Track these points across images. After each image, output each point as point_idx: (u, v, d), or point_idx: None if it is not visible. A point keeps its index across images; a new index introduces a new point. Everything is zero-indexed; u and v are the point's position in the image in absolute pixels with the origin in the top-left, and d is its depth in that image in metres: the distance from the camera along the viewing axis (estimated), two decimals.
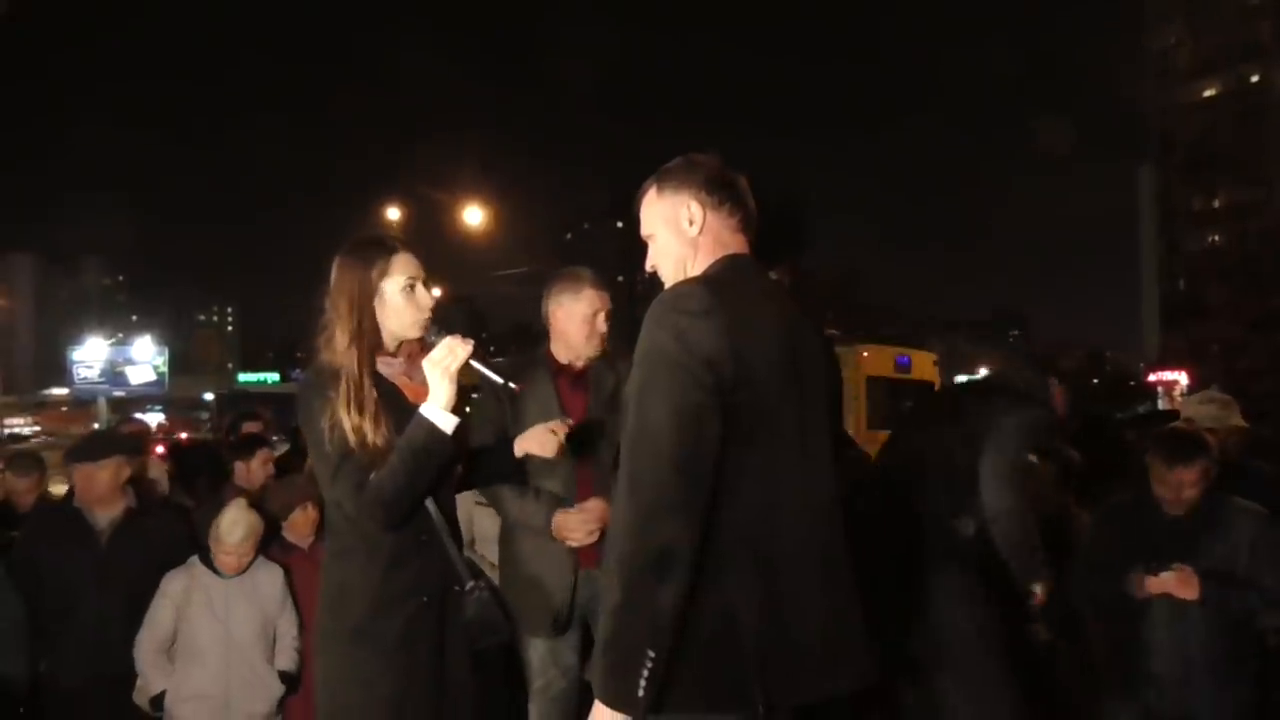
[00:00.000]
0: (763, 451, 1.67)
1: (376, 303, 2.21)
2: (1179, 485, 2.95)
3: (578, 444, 2.83)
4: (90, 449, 3.53)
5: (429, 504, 2.19)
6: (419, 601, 2.17)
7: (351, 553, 2.18)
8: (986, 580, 2.98)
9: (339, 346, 2.18)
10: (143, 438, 6.12)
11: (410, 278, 2.22)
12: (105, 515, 3.48)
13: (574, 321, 2.88)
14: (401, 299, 2.21)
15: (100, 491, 3.44)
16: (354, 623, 2.14)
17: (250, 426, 4.95)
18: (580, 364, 2.92)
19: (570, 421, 2.56)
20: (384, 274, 2.20)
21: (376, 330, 2.22)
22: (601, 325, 2.90)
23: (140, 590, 3.28)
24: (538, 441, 2.49)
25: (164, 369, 29.50)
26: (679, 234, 1.85)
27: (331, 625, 2.19)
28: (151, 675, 3.23)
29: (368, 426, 2.11)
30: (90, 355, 29.40)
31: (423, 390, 2.15)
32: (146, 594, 3.27)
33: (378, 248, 2.23)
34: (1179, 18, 53.82)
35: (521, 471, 2.62)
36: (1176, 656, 2.93)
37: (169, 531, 3.56)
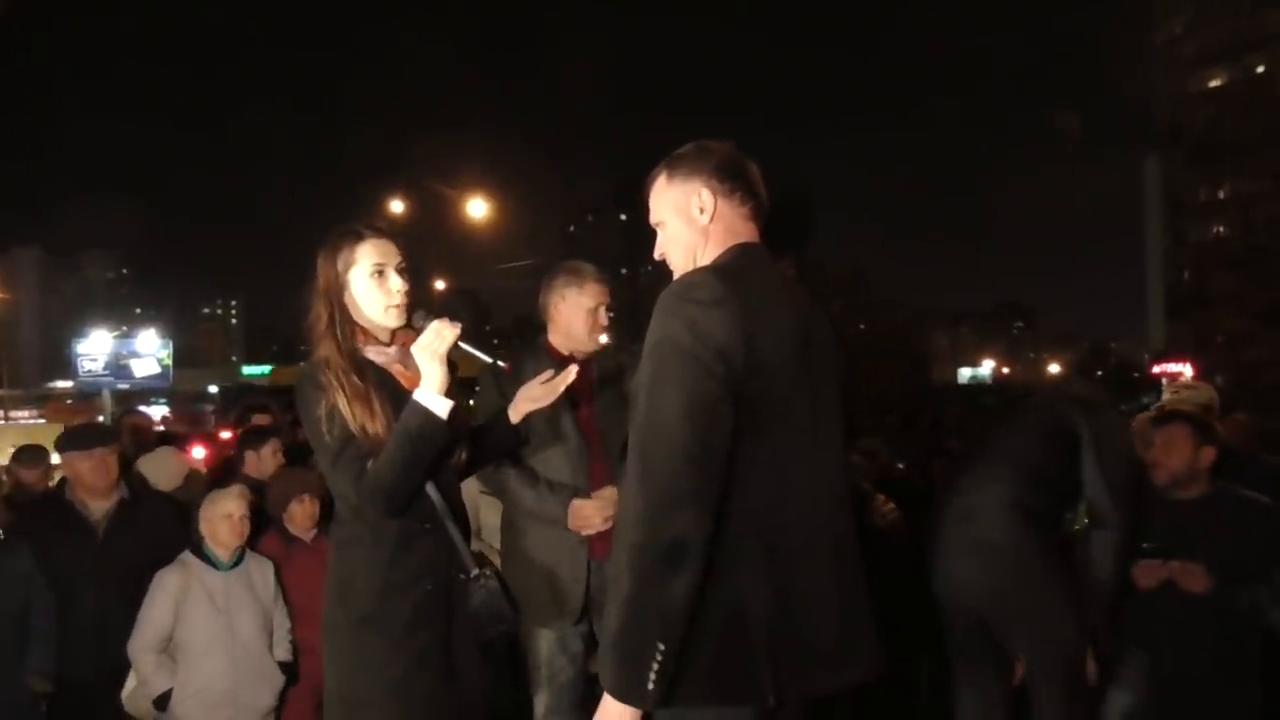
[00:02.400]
0: (774, 442, 1.65)
1: (346, 292, 2.22)
2: (1163, 448, 2.98)
3: (585, 434, 2.84)
4: (78, 439, 3.54)
5: (431, 491, 2.19)
6: (425, 588, 2.17)
7: (356, 542, 2.19)
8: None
9: (320, 337, 2.20)
10: (145, 431, 6.14)
11: (377, 263, 2.22)
12: (100, 507, 3.49)
13: (577, 314, 2.90)
14: (369, 285, 2.21)
15: (90, 481, 3.45)
16: (361, 611, 2.15)
17: (260, 419, 4.97)
18: (581, 355, 2.93)
19: (571, 369, 2.45)
20: (350, 263, 2.22)
21: (350, 320, 2.23)
22: (603, 318, 2.92)
23: (138, 581, 3.27)
24: (535, 395, 2.40)
25: (168, 362, 29.44)
26: (689, 222, 1.83)
27: (339, 615, 2.20)
28: (154, 676, 3.19)
29: (363, 415, 2.12)
30: (94, 348, 29.35)
31: (418, 377, 2.14)
32: (144, 585, 3.26)
33: (345, 237, 2.24)
34: (1185, 7, 53.51)
35: (523, 441, 2.61)
36: (1184, 651, 2.92)
37: (164, 522, 3.56)
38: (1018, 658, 2.94)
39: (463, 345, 2.16)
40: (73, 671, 3.38)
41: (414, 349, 2.12)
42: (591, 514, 2.77)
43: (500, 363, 2.30)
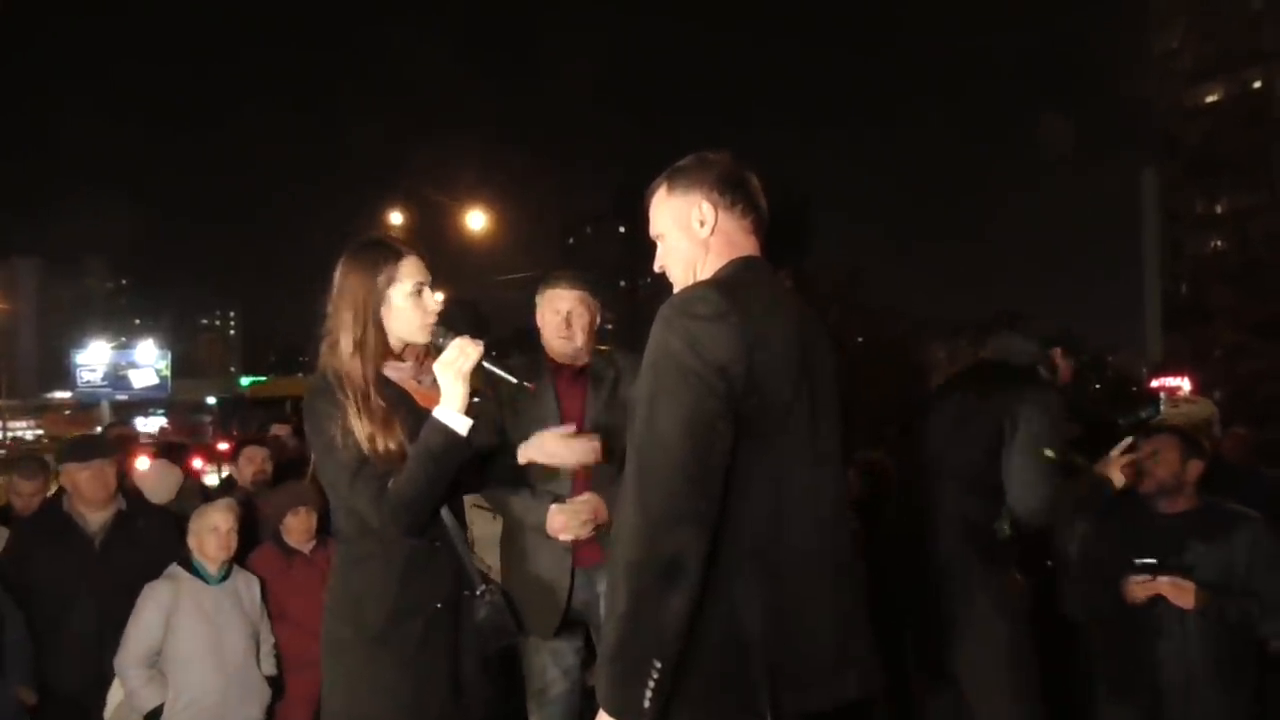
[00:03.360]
0: (773, 457, 1.64)
1: (384, 309, 2.18)
2: (1151, 457, 2.97)
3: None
4: (76, 451, 3.53)
5: (442, 509, 2.17)
6: (435, 607, 2.15)
7: (367, 560, 2.15)
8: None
9: (345, 353, 2.15)
10: (131, 441, 6.13)
11: (418, 282, 2.19)
12: (97, 518, 3.48)
13: (544, 321, 2.92)
14: (409, 304, 2.18)
15: (88, 492, 3.44)
16: (373, 630, 2.12)
17: (279, 429, 4.96)
18: (569, 362, 2.92)
19: (571, 427, 2.57)
20: (391, 280, 2.17)
21: (383, 336, 2.19)
22: (564, 326, 2.87)
23: (135, 592, 3.25)
24: (549, 450, 2.46)
25: (166, 372, 29.51)
26: (689, 234, 1.82)
27: (347, 633, 2.16)
28: (144, 691, 3.16)
29: (380, 433, 2.09)
30: (93, 359, 29.42)
31: (432, 395, 2.12)
32: None
33: (385, 252, 2.20)
34: (1182, 22, 53.78)
35: (522, 478, 2.62)
36: (1176, 664, 2.90)
37: (161, 533, 3.54)
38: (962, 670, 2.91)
39: (485, 364, 2.15)
40: (68, 682, 3.36)
41: (436, 366, 2.10)
42: (567, 520, 2.73)
43: (526, 384, 2.29)
